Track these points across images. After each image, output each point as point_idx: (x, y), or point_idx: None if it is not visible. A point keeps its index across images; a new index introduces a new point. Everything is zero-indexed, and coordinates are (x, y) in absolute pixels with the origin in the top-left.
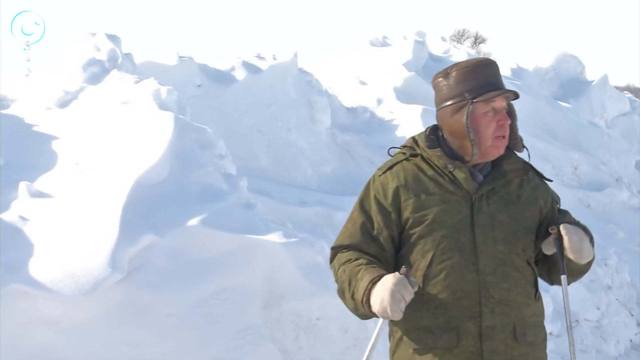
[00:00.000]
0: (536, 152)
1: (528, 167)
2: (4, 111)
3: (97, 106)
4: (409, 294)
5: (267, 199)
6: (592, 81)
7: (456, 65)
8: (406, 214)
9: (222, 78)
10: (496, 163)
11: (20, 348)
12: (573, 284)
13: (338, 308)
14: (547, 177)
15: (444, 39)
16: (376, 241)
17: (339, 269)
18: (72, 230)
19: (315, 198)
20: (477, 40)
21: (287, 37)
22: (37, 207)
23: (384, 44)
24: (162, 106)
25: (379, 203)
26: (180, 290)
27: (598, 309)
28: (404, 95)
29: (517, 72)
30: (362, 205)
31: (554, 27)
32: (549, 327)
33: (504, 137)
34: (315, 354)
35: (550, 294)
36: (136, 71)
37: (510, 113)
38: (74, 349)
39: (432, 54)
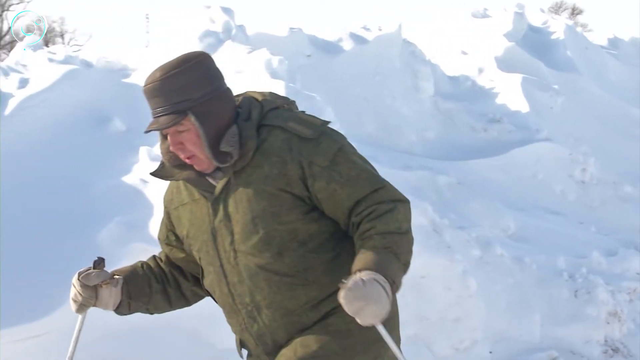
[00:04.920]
0: (632, 118)
1: (243, 150)
2: (125, 80)
3: None
4: (81, 291)
5: (373, 163)
6: None
7: None
8: (178, 229)
9: (330, 48)
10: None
11: None
12: None
13: (442, 267)
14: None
15: (542, 11)
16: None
17: None
18: None
19: (419, 163)
20: (574, 11)
21: (392, 8)
22: None
23: (484, 15)
24: (274, 75)
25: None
26: None
27: None
28: (505, 64)
29: (614, 42)
30: None
31: None
32: None
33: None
34: (420, 311)
35: None
36: (249, 42)
37: (202, 125)
38: (194, 305)
39: (531, 25)
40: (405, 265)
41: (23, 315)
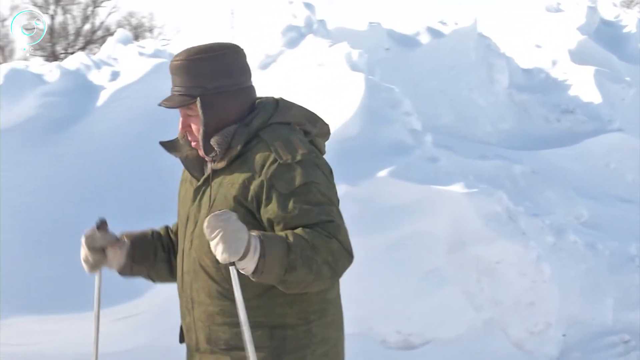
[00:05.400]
0: None
1: (231, 147)
2: None
3: (294, 68)
4: (89, 253)
5: (450, 153)
6: None
7: None
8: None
9: (408, 42)
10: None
11: None
12: None
13: (516, 253)
14: (281, 156)
15: (614, 5)
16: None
17: None
18: None
19: (495, 152)
20: None
21: (468, 3)
22: None
23: (558, 9)
24: (354, 68)
25: None
26: (372, 235)
27: None
28: (578, 57)
29: None
30: None
31: None
32: None
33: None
34: (495, 295)
35: None
36: (330, 36)
37: (204, 114)
38: None
39: (603, 19)
40: (290, 265)
41: (118, 297)
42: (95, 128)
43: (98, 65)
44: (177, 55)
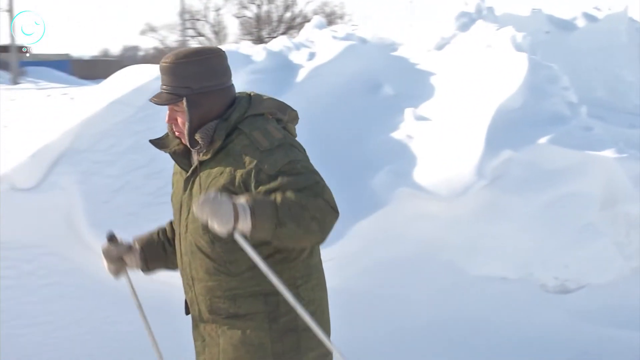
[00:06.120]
0: None
1: (216, 138)
2: (393, 53)
3: (466, 49)
4: (109, 264)
5: (603, 123)
6: None
7: None
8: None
9: (565, 26)
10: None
11: (407, 239)
12: None
13: None
14: (265, 145)
15: None
16: None
17: None
18: (448, 146)
19: None
20: None
21: None
22: (420, 128)
23: None
24: (518, 49)
25: None
26: (533, 194)
27: None
28: None
29: None
30: None
31: None
32: None
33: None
34: None
35: None
36: (497, 21)
37: (190, 112)
38: (449, 239)
39: None
40: (280, 221)
41: None
42: (295, 101)
43: (297, 47)
44: (166, 57)
